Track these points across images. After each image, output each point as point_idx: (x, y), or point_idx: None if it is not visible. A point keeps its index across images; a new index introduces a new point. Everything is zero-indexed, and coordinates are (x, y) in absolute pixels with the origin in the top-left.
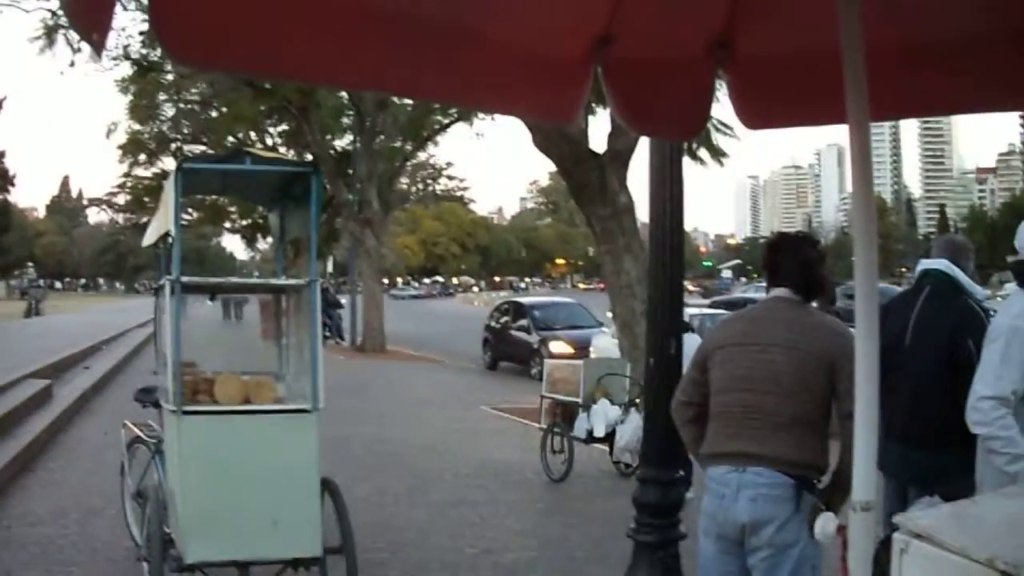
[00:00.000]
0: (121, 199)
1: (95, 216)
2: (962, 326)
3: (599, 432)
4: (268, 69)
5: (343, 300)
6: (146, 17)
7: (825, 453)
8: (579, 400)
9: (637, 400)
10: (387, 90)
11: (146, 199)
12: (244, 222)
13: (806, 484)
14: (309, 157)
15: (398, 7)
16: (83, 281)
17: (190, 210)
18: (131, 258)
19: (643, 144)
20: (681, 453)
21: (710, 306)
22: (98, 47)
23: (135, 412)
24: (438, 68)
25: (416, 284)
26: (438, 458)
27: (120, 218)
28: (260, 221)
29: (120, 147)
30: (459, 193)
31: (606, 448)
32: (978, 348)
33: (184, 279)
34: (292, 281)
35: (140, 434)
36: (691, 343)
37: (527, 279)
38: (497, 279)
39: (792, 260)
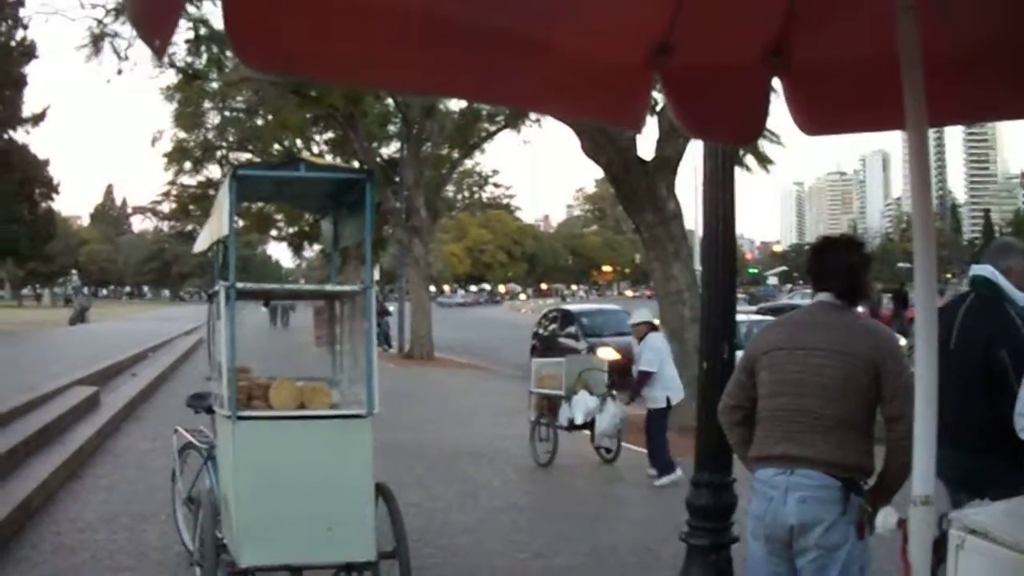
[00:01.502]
0: (166, 207)
1: (139, 224)
2: (997, 335)
3: (579, 420)
4: (337, 74)
5: (391, 308)
6: (191, 25)
7: (870, 455)
8: (562, 393)
9: (614, 392)
10: (457, 95)
11: (191, 207)
12: (291, 230)
13: (853, 486)
14: (357, 164)
15: (467, 15)
16: (127, 289)
17: (237, 218)
18: (176, 266)
19: (690, 151)
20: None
21: (757, 313)
22: (160, 52)
23: (183, 418)
24: (506, 73)
25: (463, 292)
26: (487, 464)
27: (165, 226)
28: (307, 229)
29: (165, 155)
30: (505, 201)
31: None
32: (1013, 357)
33: (240, 285)
34: (348, 287)
35: (192, 440)
36: (654, 343)
37: (574, 286)
38: (544, 286)
39: (836, 264)
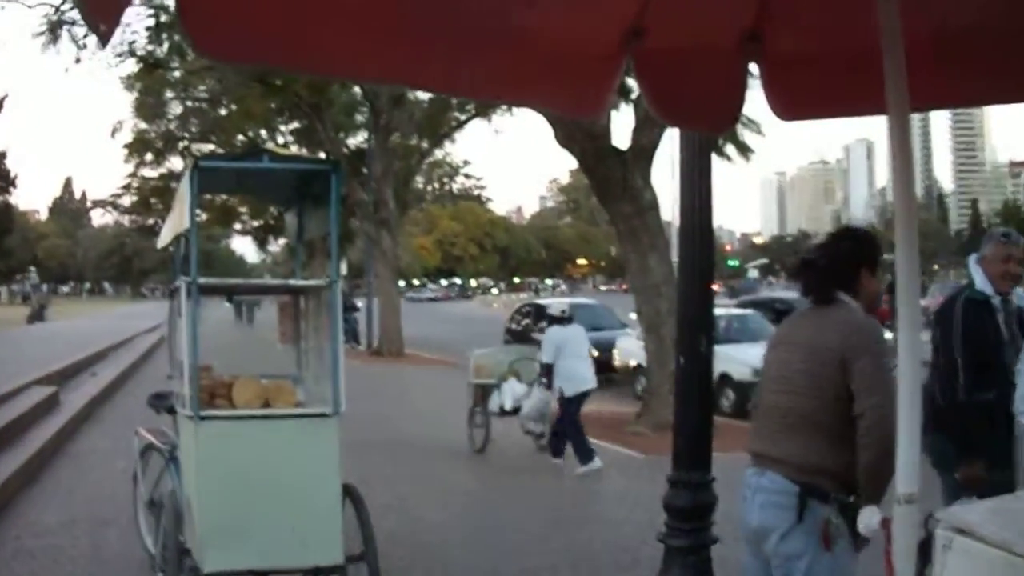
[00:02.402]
0: (126, 200)
1: (99, 218)
2: (951, 325)
3: (508, 406)
4: (297, 62)
5: (358, 303)
6: (152, 12)
7: (842, 457)
8: (494, 381)
9: (543, 380)
10: (418, 86)
11: (153, 200)
12: (255, 223)
13: (814, 492)
14: (323, 155)
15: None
16: (87, 285)
17: (198, 211)
18: (137, 261)
19: (667, 140)
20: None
21: (737, 306)
22: (104, 37)
23: (145, 419)
24: (473, 61)
25: (433, 286)
26: (458, 462)
27: (126, 220)
28: (272, 222)
29: (126, 146)
30: (477, 192)
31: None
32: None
33: (202, 280)
34: (313, 282)
35: (153, 441)
36: (565, 335)
37: (548, 280)
38: (516, 280)
39: (824, 259)
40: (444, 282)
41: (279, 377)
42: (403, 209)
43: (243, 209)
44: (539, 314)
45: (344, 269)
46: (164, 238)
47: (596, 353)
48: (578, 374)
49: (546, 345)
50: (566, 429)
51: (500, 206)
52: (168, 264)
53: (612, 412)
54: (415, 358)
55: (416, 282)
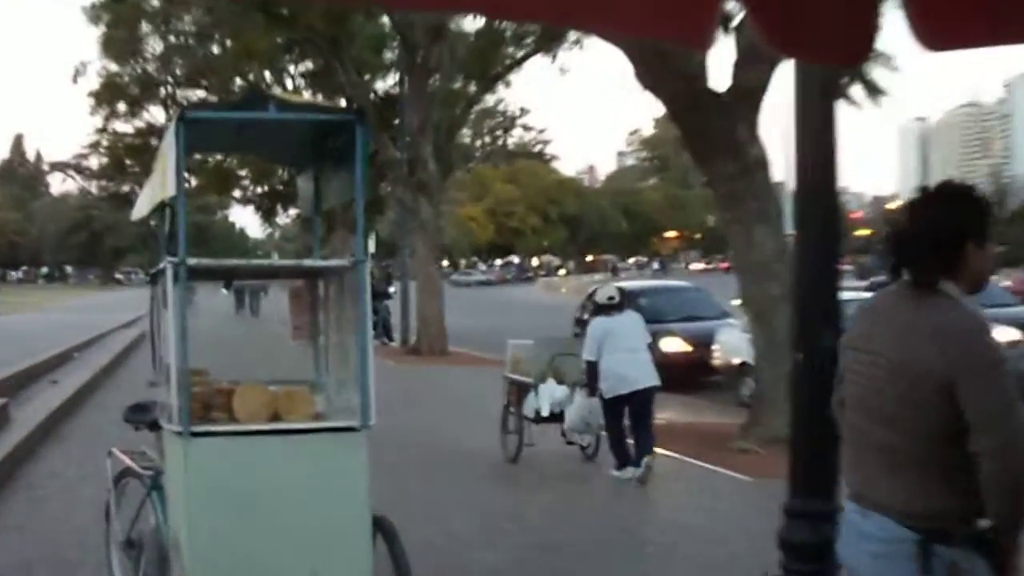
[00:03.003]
0: (94, 162)
1: (59, 185)
2: None
3: (545, 411)
4: None
5: (391, 289)
6: None
7: (963, 492)
8: (530, 380)
9: (586, 384)
10: (463, 5)
11: (127, 162)
12: (259, 190)
13: (940, 536)
14: (344, 103)
15: None
16: (45, 270)
17: (188, 175)
18: (109, 238)
19: (778, 80)
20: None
21: (868, 289)
22: None
23: (120, 436)
24: None
25: (484, 267)
26: (518, 491)
27: (93, 187)
28: (279, 188)
29: (92, 95)
30: (538, 148)
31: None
32: None
33: (192, 261)
34: (334, 262)
35: (131, 465)
36: (614, 324)
37: (630, 259)
38: (589, 258)
39: (920, 226)
40: (498, 262)
41: (292, 383)
42: (446, 171)
43: (243, 172)
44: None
45: (372, 246)
46: (142, 209)
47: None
48: (621, 372)
49: (588, 339)
50: (608, 430)
51: (568, 165)
52: (148, 242)
53: (712, 423)
54: (461, 357)
55: (463, 262)
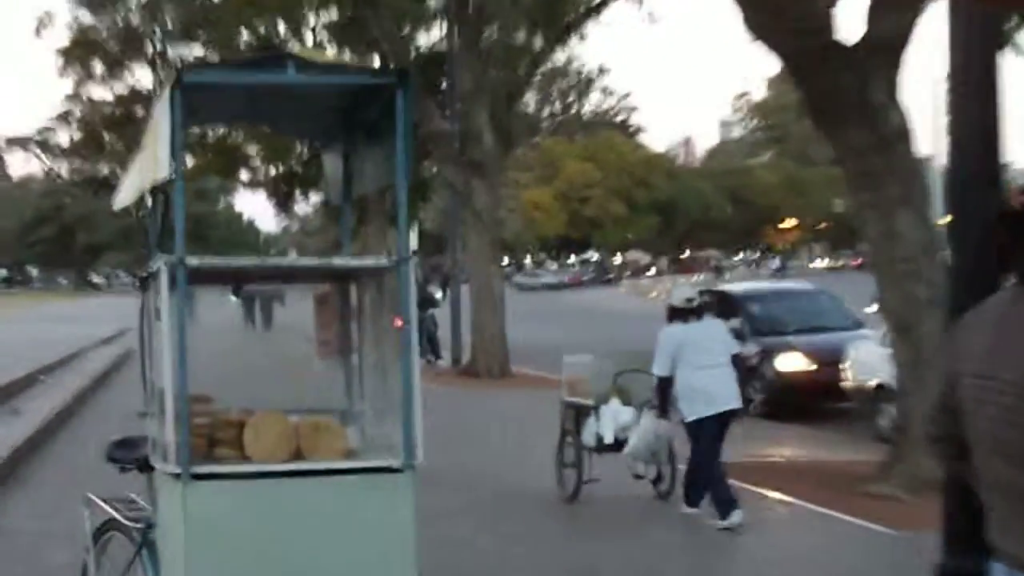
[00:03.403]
0: (63, 137)
1: (20, 166)
2: None
3: (608, 438)
4: None
5: (438, 294)
6: None
7: None
8: (590, 402)
9: (655, 402)
10: None
11: (107, 136)
12: (272, 171)
13: None
14: (378, 62)
15: None
16: (3, 272)
17: (185, 152)
18: (83, 232)
19: (922, 31)
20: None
21: None
22: None
23: (101, 480)
24: None
25: (555, 265)
26: (604, 547)
27: (63, 168)
28: (298, 169)
29: (61, 52)
30: (621, 117)
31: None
32: None
33: (193, 261)
34: (370, 261)
35: (115, 515)
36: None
37: (739, 255)
38: (686, 255)
39: None
40: (572, 259)
41: (318, 412)
42: (506, 146)
43: (253, 150)
44: (725, 308)
45: (415, 241)
46: (128, 195)
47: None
48: (705, 389)
49: (659, 351)
50: (696, 466)
51: (659, 138)
52: (134, 237)
53: (842, 462)
54: (526, 380)
55: (528, 260)
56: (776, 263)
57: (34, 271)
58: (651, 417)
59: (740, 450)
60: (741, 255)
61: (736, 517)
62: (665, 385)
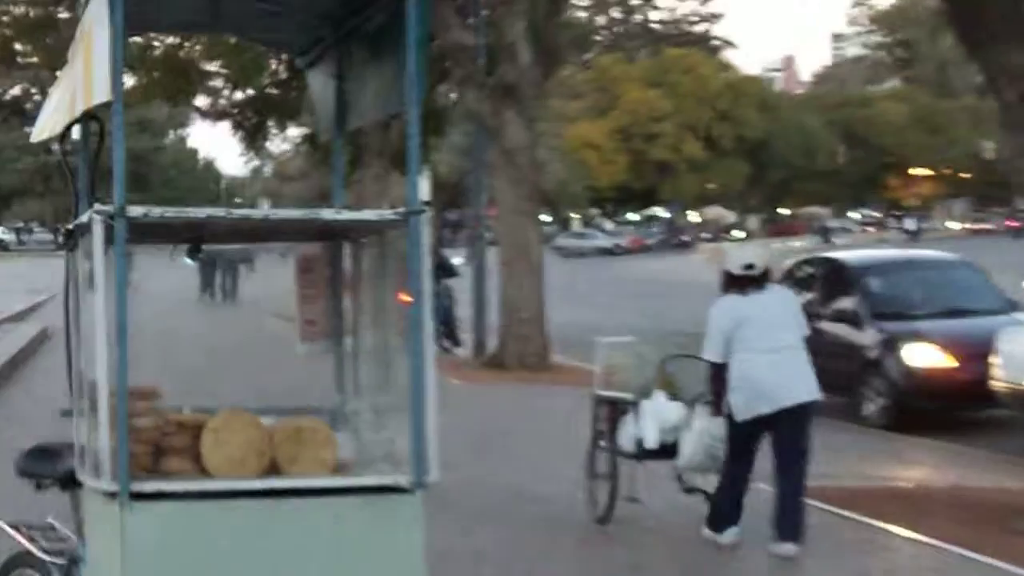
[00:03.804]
0: None
1: None
2: None
3: (650, 442)
4: None
5: (457, 260)
6: None
7: None
8: (629, 396)
9: (710, 396)
10: None
11: (17, 47)
12: (239, 95)
13: None
14: None
15: None
16: None
17: (124, 70)
18: None
19: None
20: None
21: None
22: None
23: (15, 501)
24: None
25: (610, 224)
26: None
27: None
28: (273, 92)
29: None
30: (702, 28)
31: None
32: None
33: (135, 211)
34: (370, 214)
35: (28, 546)
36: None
37: (854, 213)
38: (784, 212)
39: None
40: (633, 216)
41: (299, 412)
42: (548, 64)
43: (214, 67)
44: (835, 282)
45: (426, 191)
46: (51, 124)
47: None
48: (760, 379)
49: (711, 328)
50: (729, 471)
51: (750, 58)
52: (55, 180)
53: (990, 489)
54: (570, 374)
55: (576, 217)
56: (912, 223)
57: None
58: (706, 415)
59: (852, 470)
60: (857, 213)
61: (728, 536)
62: (720, 373)
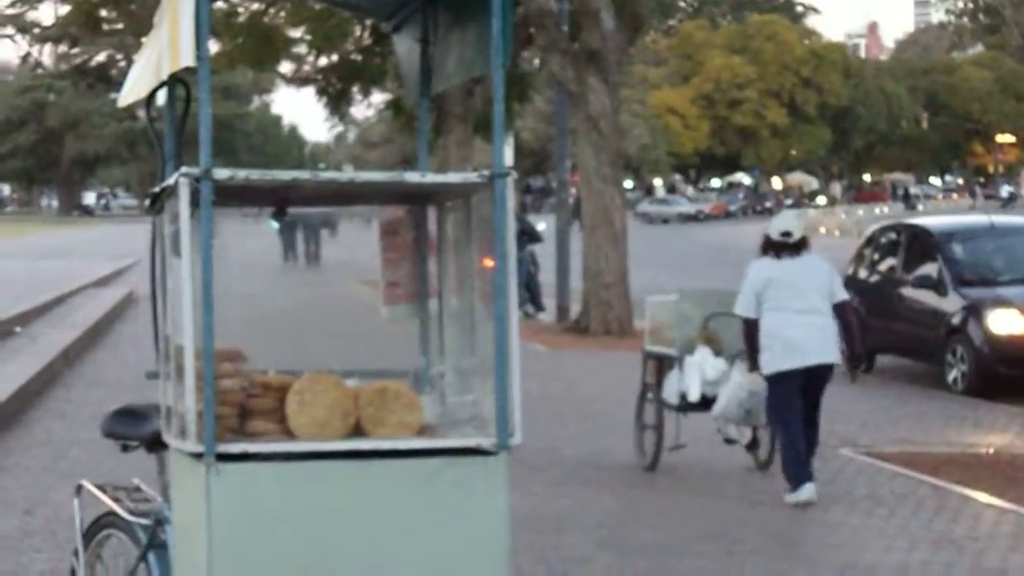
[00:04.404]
0: (46, 14)
1: None
2: None
3: (693, 395)
4: None
5: (541, 225)
6: None
7: None
8: (673, 352)
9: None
10: None
11: (103, 11)
12: (323, 61)
13: None
14: None
15: None
16: None
17: (211, 34)
18: (73, 141)
19: None
20: None
21: None
22: None
23: (95, 462)
24: None
25: (693, 190)
26: (741, 558)
27: (46, 54)
28: (357, 59)
29: None
30: None
31: None
32: None
33: (222, 174)
34: (455, 177)
35: (115, 507)
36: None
37: (938, 179)
38: (868, 178)
39: None
40: (716, 182)
41: (384, 374)
42: (631, 31)
43: (298, 33)
44: (918, 248)
45: (510, 156)
46: (136, 88)
47: (843, 298)
48: (789, 336)
49: (745, 287)
50: (781, 434)
51: (833, 25)
52: (140, 146)
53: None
54: None
55: (658, 183)
56: (1006, 189)
57: (6, 189)
58: (743, 371)
59: (937, 436)
60: (941, 179)
61: (805, 493)
62: (752, 329)
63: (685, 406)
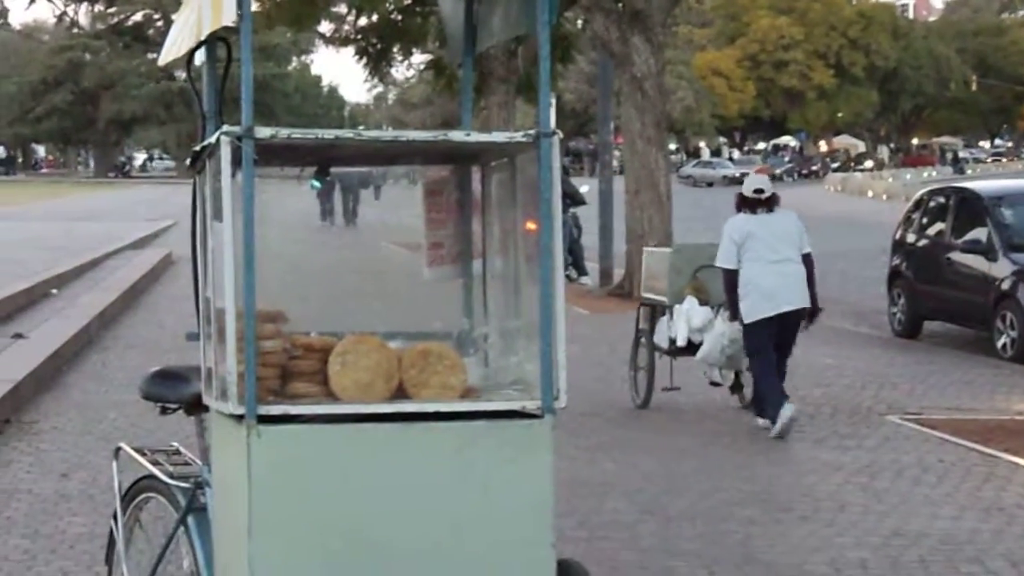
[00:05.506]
0: None
1: (22, 12)
2: None
3: (681, 340)
4: None
5: (584, 187)
6: None
7: None
8: (665, 300)
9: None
10: None
11: None
12: (363, 21)
13: None
14: None
15: None
16: (1, 151)
17: None
18: (109, 101)
19: None
20: None
21: None
22: None
23: (134, 425)
24: None
25: (739, 153)
26: (787, 525)
27: (81, 13)
28: (398, 19)
29: None
30: None
31: None
32: None
33: (264, 132)
34: (500, 137)
35: (154, 471)
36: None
37: (988, 143)
38: (916, 142)
39: None
40: (762, 145)
41: (427, 336)
42: None
43: None
44: (967, 212)
45: (553, 118)
46: (176, 47)
47: (808, 249)
48: (764, 285)
49: (724, 240)
50: (755, 369)
51: None
52: (178, 107)
53: None
54: None
55: (703, 145)
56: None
57: (42, 151)
58: (724, 318)
59: (986, 404)
60: (990, 143)
61: (787, 411)
62: (732, 279)
63: (674, 350)
